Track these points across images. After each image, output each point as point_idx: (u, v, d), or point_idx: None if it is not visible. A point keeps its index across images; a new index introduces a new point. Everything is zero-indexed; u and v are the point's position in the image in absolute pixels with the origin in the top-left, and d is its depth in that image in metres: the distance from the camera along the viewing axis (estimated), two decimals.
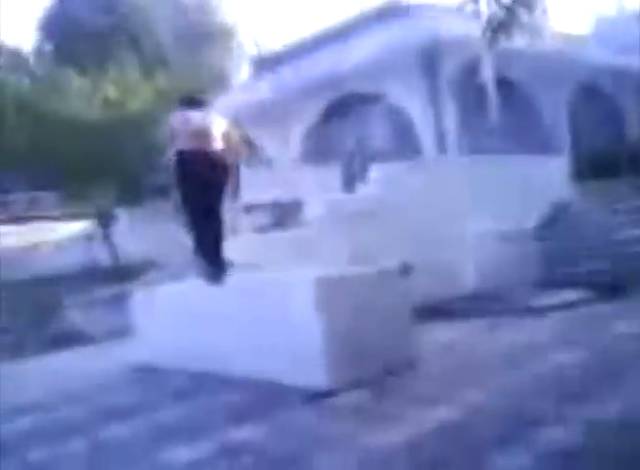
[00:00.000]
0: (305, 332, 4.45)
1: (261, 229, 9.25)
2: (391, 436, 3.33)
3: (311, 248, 6.83)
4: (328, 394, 4.22)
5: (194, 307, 5.56)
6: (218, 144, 5.45)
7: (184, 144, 5.34)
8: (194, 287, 5.70)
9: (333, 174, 9.08)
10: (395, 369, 4.57)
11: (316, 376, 4.33)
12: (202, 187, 5.34)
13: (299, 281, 4.72)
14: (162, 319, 5.93)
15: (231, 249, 5.50)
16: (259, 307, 4.83)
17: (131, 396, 5.22)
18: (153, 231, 12.21)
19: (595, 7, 54.39)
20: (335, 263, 5.62)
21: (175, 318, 5.77)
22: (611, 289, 7.31)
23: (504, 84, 13.89)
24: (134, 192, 16.99)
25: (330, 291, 4.50)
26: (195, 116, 5.57)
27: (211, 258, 5.38)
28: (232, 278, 5.20)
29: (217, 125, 5.63)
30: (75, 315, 9.56)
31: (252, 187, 9.41)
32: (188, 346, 5.54)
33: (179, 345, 5.64)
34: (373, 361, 4.55)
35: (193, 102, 5.80)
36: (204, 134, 5.42)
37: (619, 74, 17.28)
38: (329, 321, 4.41)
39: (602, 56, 16.51)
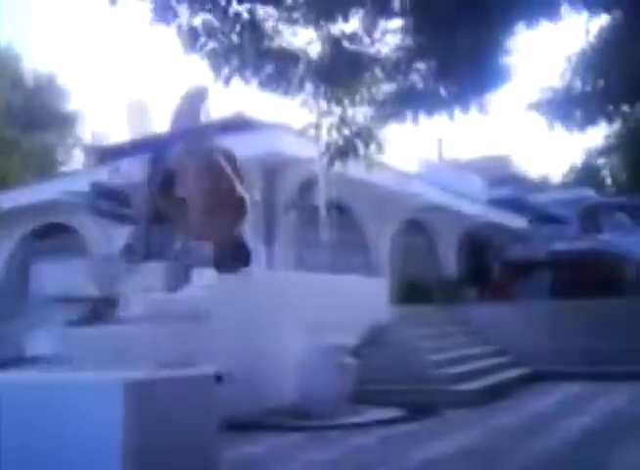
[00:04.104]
0: (105, 440, 3.99)
1: (74, 323, 8.54)
2: None
3: (124, 346, 6.36)
4: None
5: None
6: None
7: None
8: None
9: (155, 273, 8.75)
10: None
11: None
12: None
13: (105, 383, 4.28)
14: None
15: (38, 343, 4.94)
16: (57, 411, 4.27)
17: None
18: None
19: (421, 150, 60.85)
20: (148, 365, 5.23)
21: None
22: (421, 409, 7.66)
23: (336, 207, 14.60)
24: None
25: (138, 396, 4.11)
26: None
27: None
28: (27, 377, 4.63)
29: None
30: None
31: (66, 279, 8.82)
32: None
33: None
34: None
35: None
36: None
37: (438, 211, 18.91)
38: (133, 430, 4.00)
39: (425, 193, 18.00)
